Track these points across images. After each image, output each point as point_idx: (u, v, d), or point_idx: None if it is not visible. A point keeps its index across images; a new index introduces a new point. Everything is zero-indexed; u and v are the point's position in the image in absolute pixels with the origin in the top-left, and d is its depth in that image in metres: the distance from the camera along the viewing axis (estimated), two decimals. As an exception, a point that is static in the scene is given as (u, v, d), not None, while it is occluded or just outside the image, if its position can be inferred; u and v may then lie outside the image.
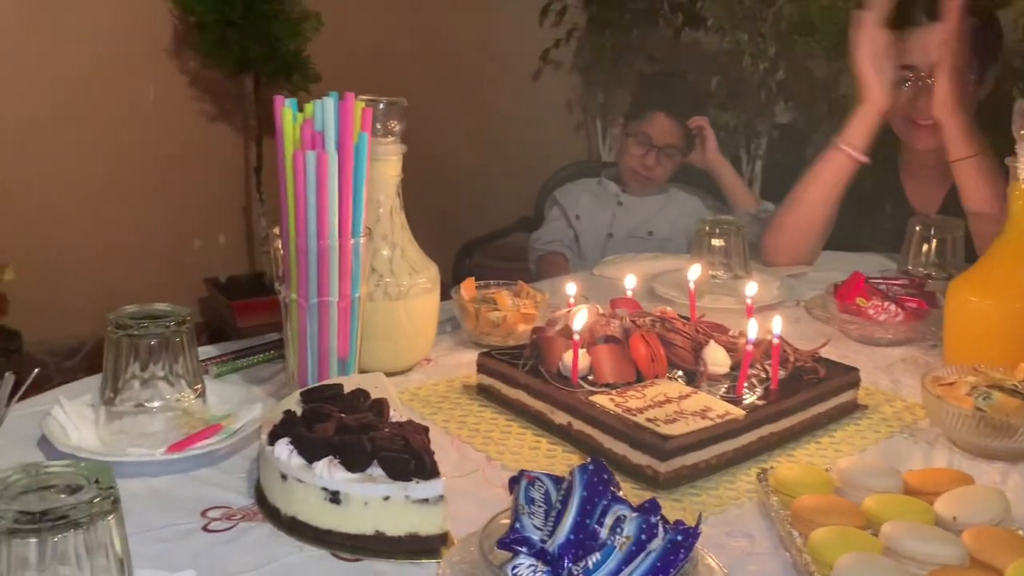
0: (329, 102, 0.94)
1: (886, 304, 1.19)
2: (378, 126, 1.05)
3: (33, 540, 0.54)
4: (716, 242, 1.39)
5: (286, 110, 0.94)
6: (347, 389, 0.87)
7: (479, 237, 2.39)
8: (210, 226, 3.13)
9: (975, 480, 0.82)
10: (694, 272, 1.17)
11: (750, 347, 0.94)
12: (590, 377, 0.96)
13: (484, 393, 1.04)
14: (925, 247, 1.35)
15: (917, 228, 1.37)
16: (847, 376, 1.00)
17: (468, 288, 1.23)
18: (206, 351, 1.12)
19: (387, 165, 1.07)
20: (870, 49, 1.46)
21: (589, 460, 0.68)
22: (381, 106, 1.05)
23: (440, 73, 3.20)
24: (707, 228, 1.40)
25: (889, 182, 1.67)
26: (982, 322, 1.03)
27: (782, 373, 0.97)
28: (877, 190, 1.65)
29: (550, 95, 3.45)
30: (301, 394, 0.87)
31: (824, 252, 1.61)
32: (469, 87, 3.27)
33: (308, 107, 0.95)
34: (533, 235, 2.23)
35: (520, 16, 3.29)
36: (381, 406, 0.82)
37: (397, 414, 0.83)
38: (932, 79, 1.48)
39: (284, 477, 0.76)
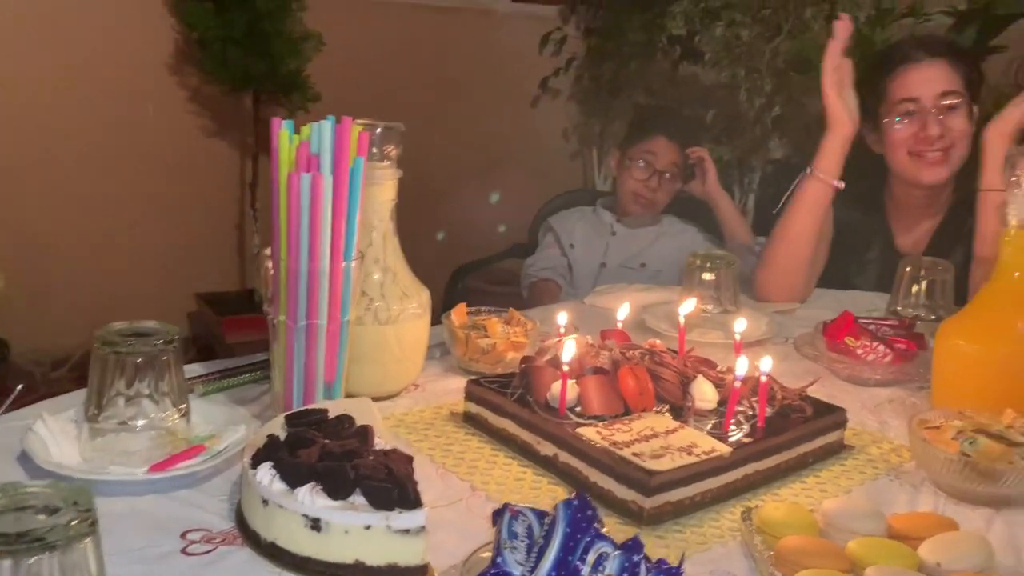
0: (326, 125, 0.94)
1: (875, 344, 1.20)
2: (374, 150, 1.06)
3: (8, 562, 0.53)
4: (707, 276, 1.39)
5: (283, 132, 0.94)
6: (332, 414, 0.87)
7: (473, 261, 2.39)
8: (203, 241, 3.12)
9: (959, 525, 0.81)
10: (686, 307, 1.17)
11: (738, 384, 0.94)
12: (578, 408, 0.96)
13: (471, 421, 1.03)
14: (915, 288, 1.36)
15: (907, 269, 1.37)
16: (834, 416, 1.00)
17: (459, 314, 1.23)
18: (192, 369, 1.12)
19: (382, 189, 1.07)
20: (835, 77, 1.50)
21: (573, 495, 0.67)
22: (378, 131, 1.06)
23: (439, 97, 3.22)
24: (698, 262, 1.41)
25: (876, 223, 1.68)
26: (970, 366, 1.04)
27: (769, 411, 0.97)
28: (865, 230, 1.66)
29: (547, 123, 3.47)
30: (285, 418, 0.86)
31: (815, 289, 1.62)
32: (468, 112, 3.29)
33: (305, 129, 0.96)
34: (527, 261, 2.23)
35: (521, 44, 3.32)
36: (366, 433, 0.82)
37: (382, 441, 0.83)
38: (936, 110, 1.52)
39: (265, 502, 0.76)
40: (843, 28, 1.50)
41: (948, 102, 1.54)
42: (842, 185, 1.52)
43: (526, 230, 2.41)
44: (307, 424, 0.84)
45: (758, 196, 3.10)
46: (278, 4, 2.80)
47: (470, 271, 2.34)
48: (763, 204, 3.13)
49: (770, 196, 3.10)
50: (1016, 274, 1.02)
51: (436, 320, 1.19)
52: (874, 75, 1.61)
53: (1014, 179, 1.01)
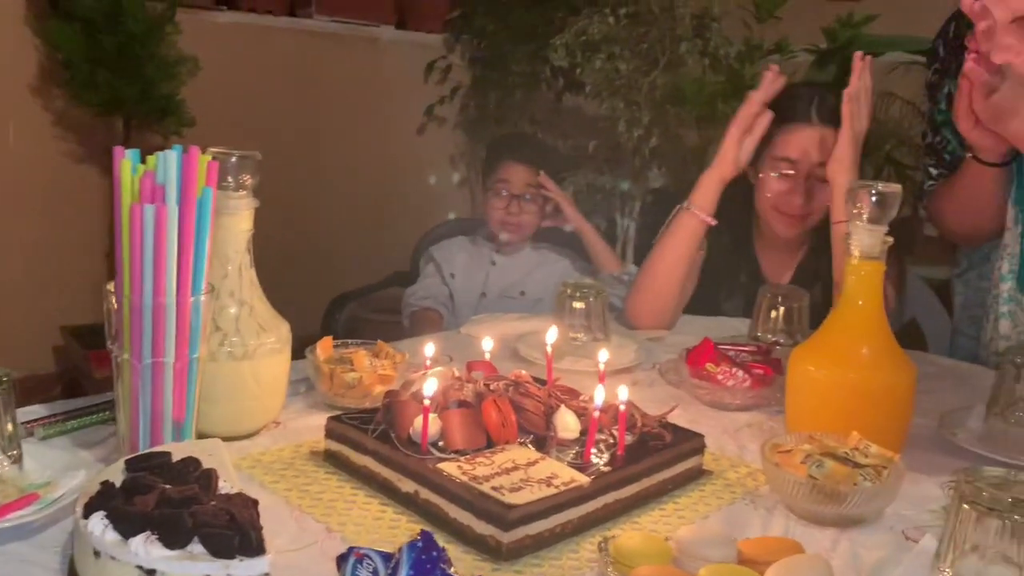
0: (172, 155, 0.91)
1: (734, 370, 1.23)
2: (230, 179, 1.03)
3: None
4: (577, 305, 1.41)
5: (124, 162, 0.90)
6: (178, 457, 0.82)
7: (352, 290, 2.35)
8: (70, 270, 2.97)
9: (805, 548, 0.84)
10: (551, 335, 1.18)
11: (597, 413, 0.95)
12: (441, 443, 0.95)
13: (332, 459, 1.00)
14: (773, 314, 1.41)
15: (766, 296, 1.43)
16: (692, 442, 1.02)
17: (324, 347, 1.19)
18: (33, 411, 1.05)
19: (238, 220, 1.03)
20: (744, 124, 1.53)
21: (419, 535, 0.66)
22: (233, 159, 1.02)
23: (324, 124, 3.18)
24: (568, 291, 1.42)
25: (745, 251, 1.74)
26: (819, 391, 1.08)
27: (629, 439, 0.98)
28: (733, 258, 1.72)
29: (434, 150, 3.48)
30: (126, 462, 0.81)
31: (684, 316, 1.66)
32: (353, 138, 3.25)
33: (151, 159, 0.92)
34: (407, 291, 2.21)
35: (406, 71, 3.32)
36: (209, 477, 0.78)
37: (228, 485, 0.79)
38: (809, 178, 1.59)
39: (97, 554, 0.71)
40: (770, 80, 1.53)
41: (822, 173, 1.57)
42: (714, 222, 1.57)
43: (409, 258, 2.39)
44: (148, 469, 0.80)
45: (639, 224, 3.18)
46: (151, 27, 2.71)
47: (350, 300, 2.30)
48: (644, 231, 3.22)
49: (649, 224, 3.20)
50: (860, 302, 1.07)
51: (302, 355, 1.16)
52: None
53: (856, 211, 1.06)
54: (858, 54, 1.47)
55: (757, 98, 1.54)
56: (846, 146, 1.46)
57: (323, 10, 3.11)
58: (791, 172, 1.62)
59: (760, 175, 1.67)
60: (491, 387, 1.01)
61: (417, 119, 3.36)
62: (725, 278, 1.75)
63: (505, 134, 3.12)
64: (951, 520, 0.78)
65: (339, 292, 2.34)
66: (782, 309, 1.40)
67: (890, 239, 1.06)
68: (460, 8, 3.32)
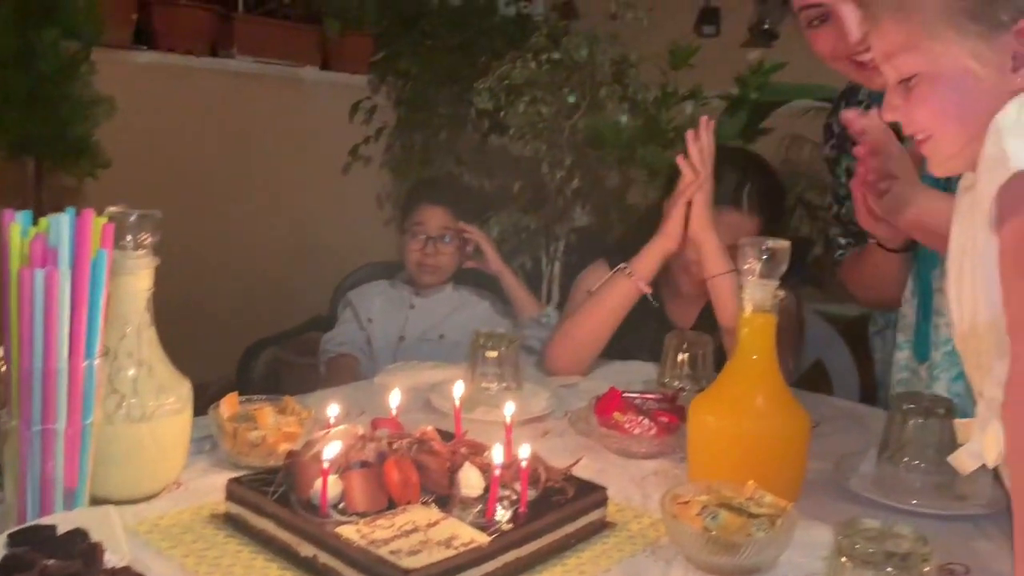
0: (64, 218, 0.89)
1: (640, 418, 1.26)
2: (129, 238, 1.02)
3: None
4: (489, 354, 1.42)
5: (14, 225, 0.88)
6: (65, 528, 0.81)
7: (270, 336, 2.32)
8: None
9: (698, 601, 0.86)
10: (458, 389, 1.19)
11: (498, 471, 0.96)
12: (341, 505, 0.94)
13: (232, 522, 0.99)
14: (679, 360, 1.45)
15: (672, 342, 1.46)
16: (594, 495, 1.04)
17: (229, 404, 1.18)
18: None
19: (136, 279, 1.02)
20: (687, 195, 1.56)
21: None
22: (132, 218, 1.01)
23: (245, 165, 3.14)
24: (481, 340, 1.44)
25: (655, 297, 1.78)
26: (717, 441, 1.11)
27: (533, 494, 0.99)
28: (644, 305, 1.76)
29: (360, 190, 3.47)
30: (8, 536, 0.79)
31: (597, 360, 1.69)
32: (276, 179, 3.22)
33: (43, 222, 0.90)
34: (324, 337, 2.20)
35: (330, 111, 3.32)
36: (94, 551, 0.76)
37: (115, 558, 0.77)
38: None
39: (-28, 637, 0.69)
40: (692, 140, 1.55)
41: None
42: (649, 290, 1.61)
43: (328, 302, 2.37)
44: (31, 543, 0.78)
45: (563, 262, 3.23)
46: (64, 66, 2.65)
47: (267, 345, 2.27)
48: (568, 270, 3.26)
49: (573, 263, 3.24)
50: (754, 354, 1.10)
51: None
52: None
53: (747, 267, 1.10)
54: (703, 119, 1.54)
55: (691, 168, 1.55)
56: (705, 208, 1.53)
57: (245, 51, 3.09)
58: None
59: None
60: (394, 446, 1.01)
61: (342, 160, 3.35)
62: (636, 324, 1.78)
63: (424, 178, 3.14)
64: (831, 572, 0.81)
65: (257, 338, 2.31)
66: (687, 355, 1.44)
67: (781, 292, 1.10)
68: (385, 50, 3.34)
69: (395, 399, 1.16)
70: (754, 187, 1.67)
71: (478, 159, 3.52)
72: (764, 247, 1.09)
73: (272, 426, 1.14)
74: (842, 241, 1.60)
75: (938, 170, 0.92)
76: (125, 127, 2.76)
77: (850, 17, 1.26)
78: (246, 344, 2.40)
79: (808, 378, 1.87)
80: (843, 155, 1.56)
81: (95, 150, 2.72)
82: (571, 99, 2.96)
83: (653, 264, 1.61)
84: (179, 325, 2.54)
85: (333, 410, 1.09)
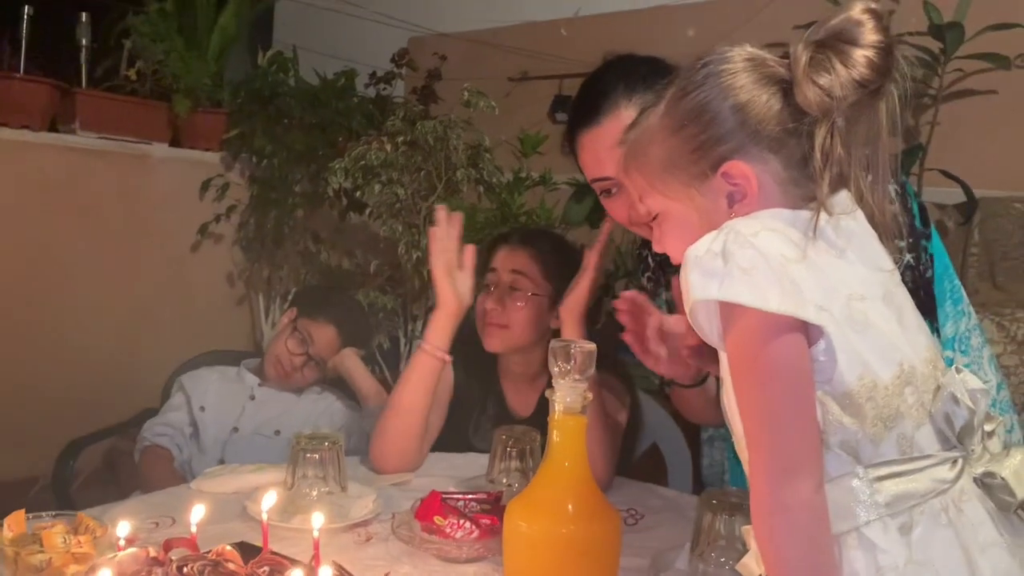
0: None
1: (461, 521, 1.24)
2: None
3: None
4: (311, 456, 1.38)
5: None
6: None
7: (88, 434, 2.18)
8: None
9: None
10: (268, 499, 1.14)
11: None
12: (120, 639, 0.88)
13: (-3, 663, 0.91)
14: (509, 454, 1.44)
15: (500, 438, 1.46)
16: (401, 612, 1.01)
17: (15, 523, 1.09)
18: None
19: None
20: (443, 260, 1.59)
21: None
22: None
23: (88, 244, 2.99)
24: (301, 443, 1.39)
25: (490, 387, 1.79)
26: (532, 546, 1.11)
27: (334, 615, 0.95)
28: (480, 394, 1.77)
29: (209, 269, 3.36)
30: None
31: (432, 454, 1.67)
32: (119, 258, 3.08)
33: None
34: (147, 423, 2.07)
35: (179, 189, 3.23)
36: None
37: None
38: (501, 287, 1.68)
39: None
40: (443, 220, 1.61)
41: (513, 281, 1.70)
42: (450, 358, 1.61)
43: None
44: None
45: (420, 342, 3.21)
46: None
47: (85, 444, 2.13)
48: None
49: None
50: (566, 461, 1.11)
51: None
52: None
53: (558, 369, 1.11)
54: (608, 218, 1.58)
55: (442, 233, 1.60)
56: (584, 295, 1.56)
57: (88, 126, 2.98)
58: (493, 284, 1.72)
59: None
60: (184, 570, 0.95)
61: (190, 239, 3.25)
62: (473, 412, 1.78)
63: (328, 289, 3.00)
64: None
65: (75, 436, 2.16)
66: (515, 450, 1.44)
67: (590, 395, 1.12)
68: (238, 127, 3.29)
69: (197, 514, 1.10)
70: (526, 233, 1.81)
71: (336, 237, 3.49)
72: (573, 349, 1.11)
73: (59, 547, 1.06)
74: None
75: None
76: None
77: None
78: (75, 434, 2.25)
79: (643, 464, 1.91)
80: (660, 287, 1.63)
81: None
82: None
83: (443, 331, 1.61)
84: (2, 414, 2.38)
85: (123, 529, 1.03)
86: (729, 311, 0.86)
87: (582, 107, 1.41)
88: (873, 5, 0.89)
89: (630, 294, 1.29)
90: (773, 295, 0.83)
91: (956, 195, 2.54)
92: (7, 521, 1.09)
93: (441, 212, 1.62)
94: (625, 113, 1.34)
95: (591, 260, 1.58)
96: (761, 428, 0.85)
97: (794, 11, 2.62)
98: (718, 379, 1.41)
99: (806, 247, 0.87)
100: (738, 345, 0.86)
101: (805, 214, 0.90)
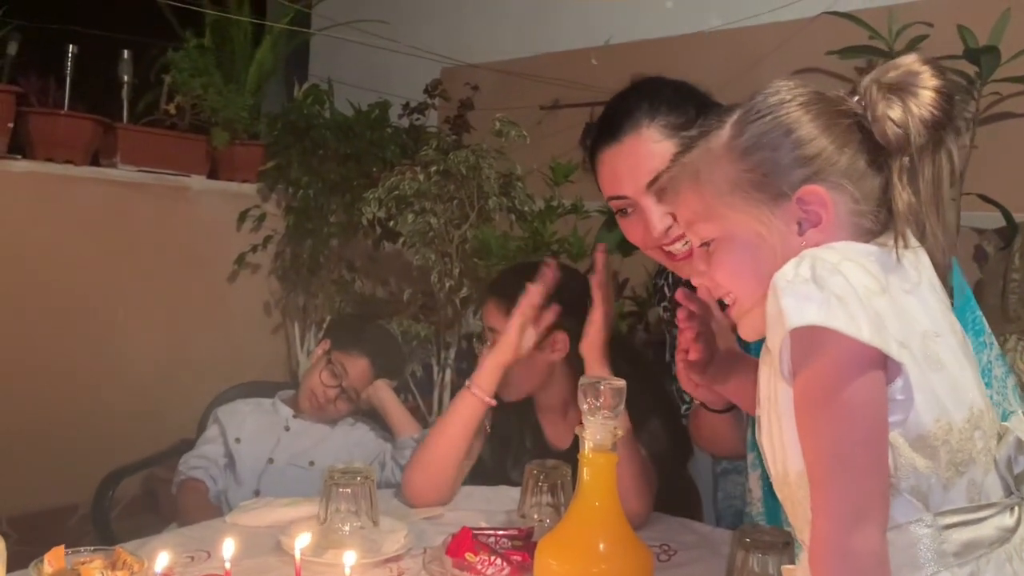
0: None
1: (492, 558, 1.24)
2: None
3: None
4: (343, 490, 1.38)
5: None
6: None
7: (129, 464, 2.21)
8: None
9: None
10: (302, 540, 1.15)
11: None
12: (154, 677, 0.89)
13: None
14: (540, 489, 1.43)
15: (532, 473, 1.45)
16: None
17: (54, 559, 1.11)
18: None
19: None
20: (527, 316, 1.59)
21: None
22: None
23: (128, 276, 3.06)
24: (334, 477, 1.40)
25: (528, 420, 1.78)
26: (562, 584, 1.10)
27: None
28: (517, 427, 1.76)
29: (246, 298, 3.41)
30: None
31: (464, 487, 1.66)
32: (159, 289, 3.14)
33: None
34: (183, 456, 2.10)
35: (217, 220, 3.29)
36: None
37: None
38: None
39: None
40: (548, 277, 1.59)
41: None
42: (495, 403, 1.61)
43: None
44: None
45: (455, 369, 3.22)
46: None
47: (126, 474, 2.16)
48: (460, 376, 3.25)
49: (465, 370, 3.24)
50: (596, 500, 1.11)
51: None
52: None
53: (587, 406, 1.11)
54: (600, 245, 1.58)
55: (538, 292, 1.59)
56: (599, 329, 1.55)
57: (129, 160, 3.06)
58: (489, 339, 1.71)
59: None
60: (216, 609, 0.96)
61: (227, 269, 3.30)
62: (511, 445, 1.78)
63: (362, 318, 3.03)
64: None
65: (127, 459, 2.20)
66: (546, 485, 1.43)
67: (620, 431, 1.12)
68: (274, 159, 3.35)
69: (228, 549, 1.11)
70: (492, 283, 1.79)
71: (370, 266, 3.52)
72: (602, 386, 1.11)
73: (97, 584, 1.08)
74: (686, 396, 1.62)
75: (744, 332, 0.96)
76: (2, 237, 2.68)
77: (652, 210, 1.33)
78: (115, 464, 2.29)
79: (677, 495, 1.88)
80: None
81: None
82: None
83: (493, 376, 1.60)
84: (45, 444, 2.42)
85: (160, 563, 1.04)
86: (814, 338, 0.80)
87: (604, 124, 1.40)
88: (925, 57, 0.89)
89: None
90: (864, 326, 0.78)
91: (995, 219, 2.49)
92: (47, 557, 1.11)
93: (547, 268, 1.60)
94: (646, 132, 1.34)
95: (595, 295, 1.57)
96: (832, 467, 0.80)
97: (825, 38, 2.64)
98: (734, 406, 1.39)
99: (887, 280, 0.84)
100: (820, 375, 0.81)
101: (875, 248, 0.88)
